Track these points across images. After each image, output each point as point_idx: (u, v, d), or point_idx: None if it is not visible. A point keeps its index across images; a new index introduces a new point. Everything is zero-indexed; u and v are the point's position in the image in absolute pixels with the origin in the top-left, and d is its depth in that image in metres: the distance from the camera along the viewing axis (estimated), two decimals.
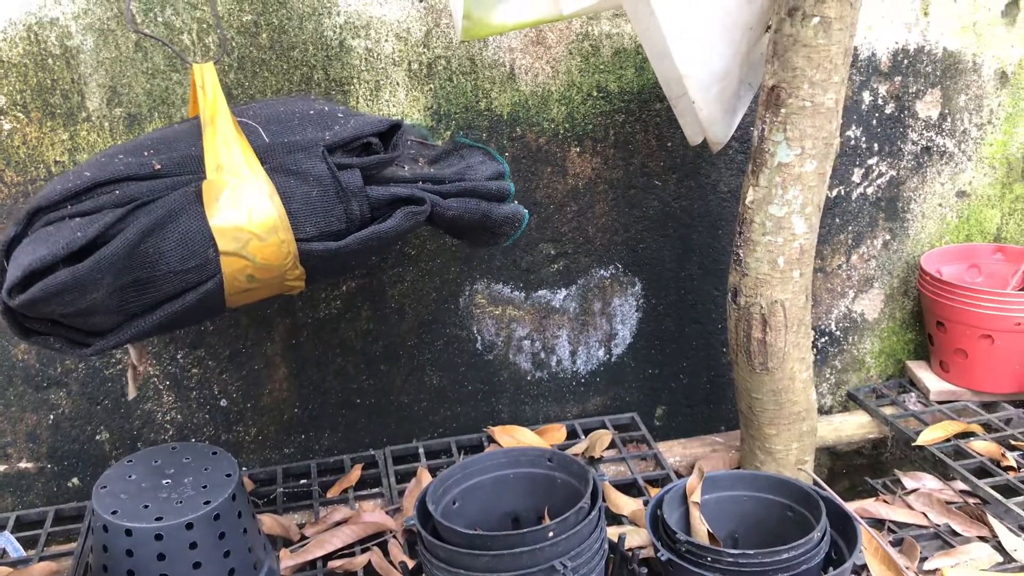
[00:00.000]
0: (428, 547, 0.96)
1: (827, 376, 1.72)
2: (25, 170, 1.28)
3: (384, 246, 0.97)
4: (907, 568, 1.17)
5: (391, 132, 0.97)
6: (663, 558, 1.01)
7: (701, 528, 1.08)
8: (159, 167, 0.87)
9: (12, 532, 1.35)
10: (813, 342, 1.65)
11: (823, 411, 1.73)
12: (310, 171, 0.90)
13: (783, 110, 1.18)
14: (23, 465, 1.41)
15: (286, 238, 0.88)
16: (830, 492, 1.13)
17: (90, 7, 1.23)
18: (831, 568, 1.03)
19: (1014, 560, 1.19)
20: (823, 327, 1.68)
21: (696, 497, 1.12)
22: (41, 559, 1.29)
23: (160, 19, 1.25)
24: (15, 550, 1.32)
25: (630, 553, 1.06)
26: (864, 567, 1.18)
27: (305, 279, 0.96)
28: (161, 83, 1.28)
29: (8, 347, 1.35)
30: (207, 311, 0.92)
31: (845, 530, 1.06)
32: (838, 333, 1.70)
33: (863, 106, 1.56)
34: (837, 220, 1.61)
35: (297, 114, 0.96)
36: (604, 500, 1.07)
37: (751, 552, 0.97)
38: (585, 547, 0.94)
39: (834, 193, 1.59)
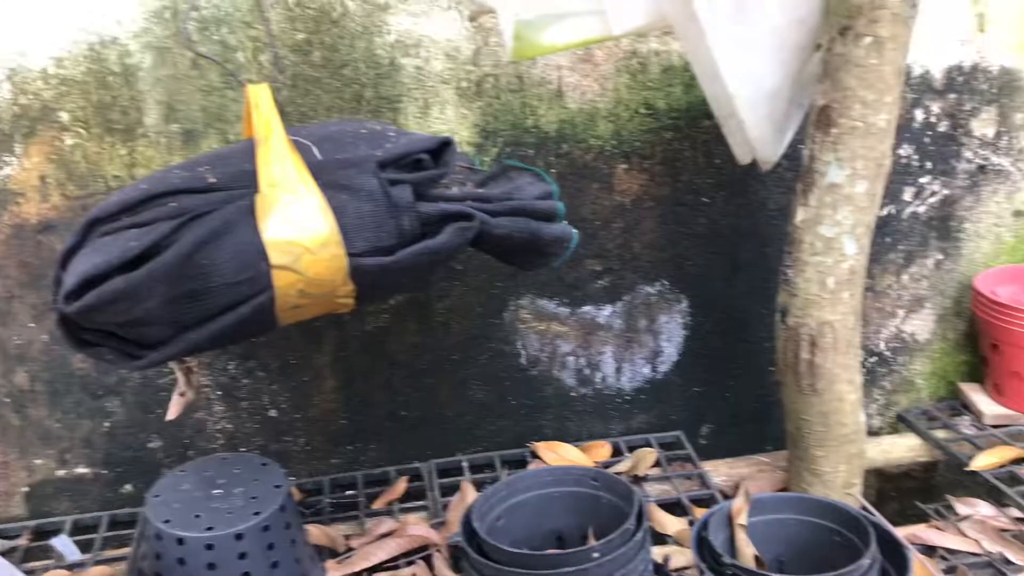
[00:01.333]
0: (474, 564, 0.96)
1: (876, 397, 1.69)
2: (86, 184, 1.32)
3: (434, 263, 0.98)
4: None
5: (441, 150, 0.99)
6: None
7: (747, 551, 1.07)
8: (214, 181, 0.90)
9: (69, 535, 1.38)
10: (862, 362, 1.62)
11: (872, 432, 1.70)
12: (362, 186, 0.91)
13: (834, 130, 1.17)
14: (80, 470, 1.45)
15: (338, 252, 0.90)
16: (879, 517, 1.11)
17: (149, 26, 1.27)
18: None
19: None
20: (872, 347, 1.66)
21: (742, 519, 1.10)
22: (96, 563, 1.32)
23: (216, 37, 1.29)
24: (71, 553, 1.35)
25: (675, 575, 1.06)
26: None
27: (356, 297, 0.98)
28: (216, 100, 1.31)
29: (67, 356, 1.38)
30: (259, 327, 0.94)
31: (895, 557, 1.04)
32: (888, 353, 1.67)
33: (915, 124, 1.54)
34: (887, 239, 1.59)
35: (349, 133, 0.98)
36: (649, 520, 1.06)
37: None
38: (630, 569, 0.94)
39: (885, 212, 1.57)
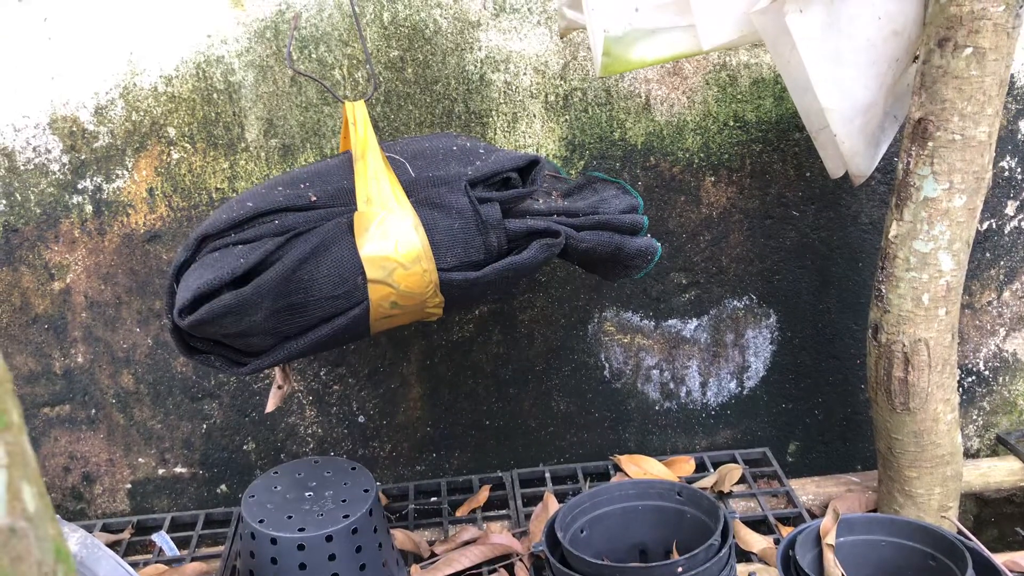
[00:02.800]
0: (556, 574, 0.97)
1: (974, 418, 1.64)
2: (190, 196, 1.38)
3: (519, 277, 0.99)
4: None
5: (530, 167, 1.00)
6: None
7: (835, 572, 1.05)
8: (315, 199, 0.93)
9: (167, 532, 1.45)
10: (959, 382, 1.57)
11: (969, 455, 1.64)
12: (453, 204, 0.94)
13: (930, 143, 1.14)
14: (178, 470, 1.52)
15: (429, 267, 0.92)
16: (977, 543, 1.08)
17: (251, 45, 1.32)
18: None
19: None
20: (970, 366, 1.60)
21: (830, 539, 1.09)
22: (193, 559, 1.38)
23: (314, 55, 1.33)
24: (170, 549, 1.41)
25: None
26: None
27: (443, 308, 1.00)
28: (313, 116, 1.36)
29: (168, 360, 1.45)
30: (352, 336, 0.97)
31: None
32: (987, 373, 1.61)
33: (1019, 136, 1.49)
34: (988, 255, 1.54)
35: (441, 150, 1.01)
36: (734, 537, 1.05)
37: None
38: None
39: (985, 226, 1.52)
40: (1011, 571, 1.18)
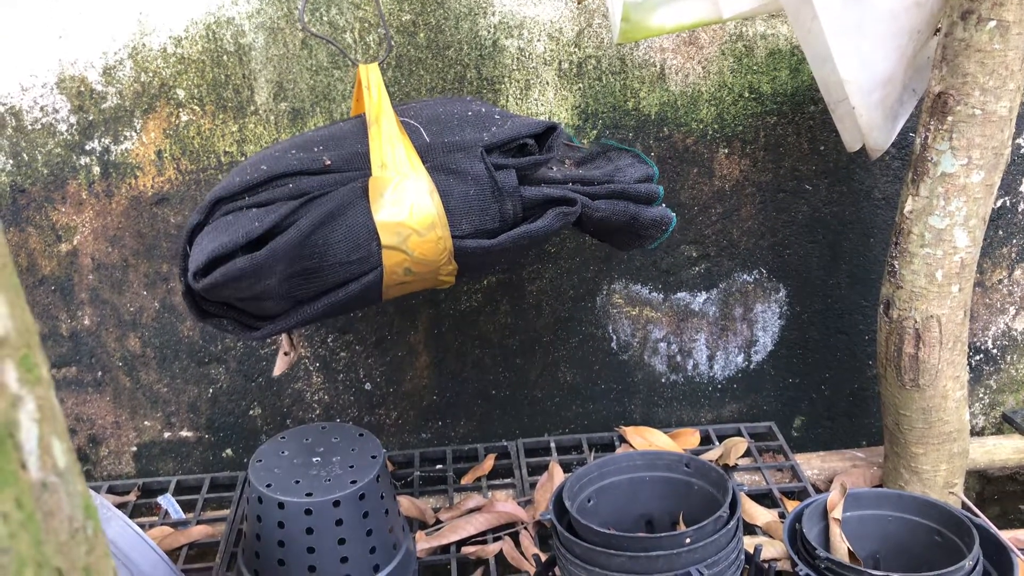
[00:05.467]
0: (563, 542, 0.97)
1: (980, 396, 1.63)
2: (198, 159, 1.37)
3: (533, 245, 0.99)
4: None
5: (546, 134, 0.99)
6: (801, 573, 0.99)
7: (841, 546, 1.05)
8: (329, 163, 0.92)
9: (173, 495, 1.45)
10: (967, 359, 1.57)
11: (975, 432, 1.64)
12: (469, 170, 0.92)
13: (950, 118, 1.12)
14: (184, 434, 1.52)
15: (443, 235, 0.92)
16: (984, 519, 1.08)
17: (263, 7, 1.30)
18: None
19: None
20: (979, 344, 1.60)
21: (837, 514, 1.09)
22: (198, 522, 1.38)
23: (325, 18, 1.31)
24: (175, 512, 1.42)
25: (766, 565, 1.05)
26: None
27: (456, 275, 0.99)
28: (324, 79, 1.35)
29: (175, 323, 1.45)
30: (365, 301, 0.97)
31: (1000, 561, 1.01)
32: (995, 351, 1.61)
33: None
34: (1000, 232, 1.53)
35: (456, 115, 0.99)
36: (741, 525, 1.05)
37: None
38: (722, 556, 0.94)
39: (999, 204, 1.51)
40: (1017, 548, 1.18)
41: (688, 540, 0.92)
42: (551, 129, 0.99)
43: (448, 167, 0.93)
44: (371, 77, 0.97)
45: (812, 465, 1.48)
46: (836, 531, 1.07)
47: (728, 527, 0.95)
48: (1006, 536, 1.20)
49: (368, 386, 1.52)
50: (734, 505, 0.98)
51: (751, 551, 1.08)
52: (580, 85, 1.39)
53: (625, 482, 1.10)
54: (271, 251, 0.84)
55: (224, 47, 1.32)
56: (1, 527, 0.25)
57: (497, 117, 1.00)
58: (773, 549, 1.20)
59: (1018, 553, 1.03)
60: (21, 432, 0.27)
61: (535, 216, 0.96)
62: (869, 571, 0.95)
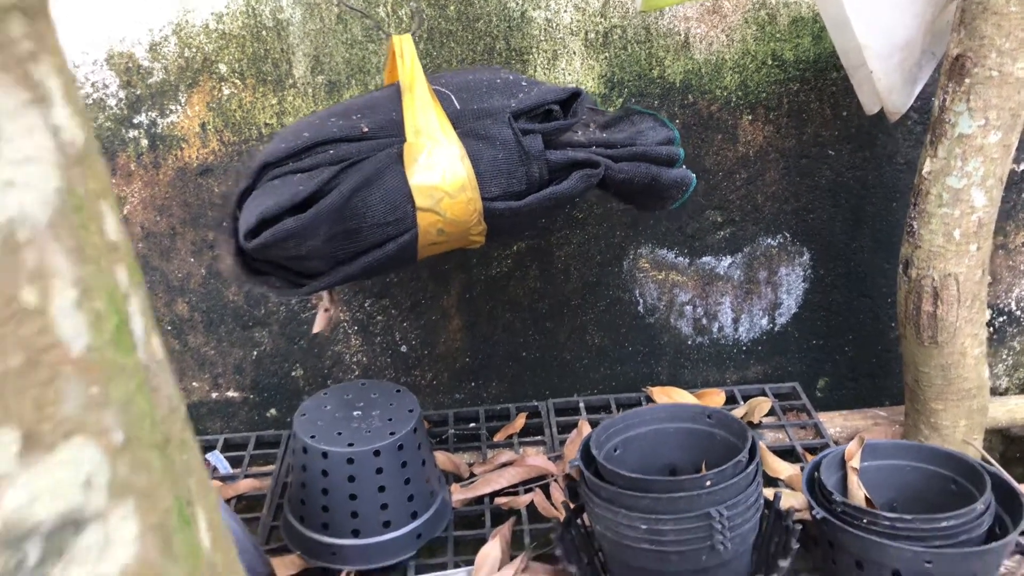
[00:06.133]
0: (591, 487, 1.03)
1: (1004, 357, 1.66)
2: (240, 131, 1.43)
3: (559, 206, 1.04)
4: None
5: (571, 100, 1.04)
6: (818, 516, 1.04)
7: (858, 493, 1.10)
8: (367, 130, 0.98)
9: (221, 452, 1.53)
10: (991, 321, 1.60)
11: (998, 393, 1.67)
12: (497, 136, 0.98)
13: (967, 80, 1.15)
14: (230, 394, 1.60)
15: (473, 196, 0.97)
16: (998, 468, 1.12)
17: None
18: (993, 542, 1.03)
19: None
20: (1002, 306, 1.62)
21: (855, 463, 1.13)
22: (246, 476, 1.46)
23: None
24: (224, 467, 1.50)
25: (785, 511, 1.10)
26: None
27: (486, 236, 1.05)
28: (359, 52, 1.40)
29: (220, 289, 1.52)
30: (401, 262, 1.02)
31: (1012, 507, 1.05)
32: (1019, 313, 1.63)
33: None
34: (1023, 195, 1.55)
35: (485, 82, 1.04)
36: (761, 460, 1.10)
37: (909, 517, 0.99)
38: (741, 499, 0.99)
39: (1020, 166, 1.53)
40: None
41: (708, 483, 0.97)
42: (575, 95, 1.03)
43: (478, 132, 0.98)
44: (404, 47, 1.02)
45: (835, 423, 1.52)
46: (854, 479, 1.11)
47: (747, 471, 1.00)
48: None
49: (404, 348, 1.59)
50: (753, 452, 1.02)
51: (771, 499, 1.13)
52: (606, 54, 1.43)
53: (650, 433, 1.15)
54: (315, 213, 0.90)
55: (263, 22, 1.38)
56: (128, 386, 0.31)
57: (524, 84, 1.04)
58: (794, 500, 1.25)
59: None
60: (132, 322, 0.33)
61: (560, 178, 1.01)
62: (883, 513, 1.00)
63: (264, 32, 1.38)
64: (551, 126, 1.00)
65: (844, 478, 1.13)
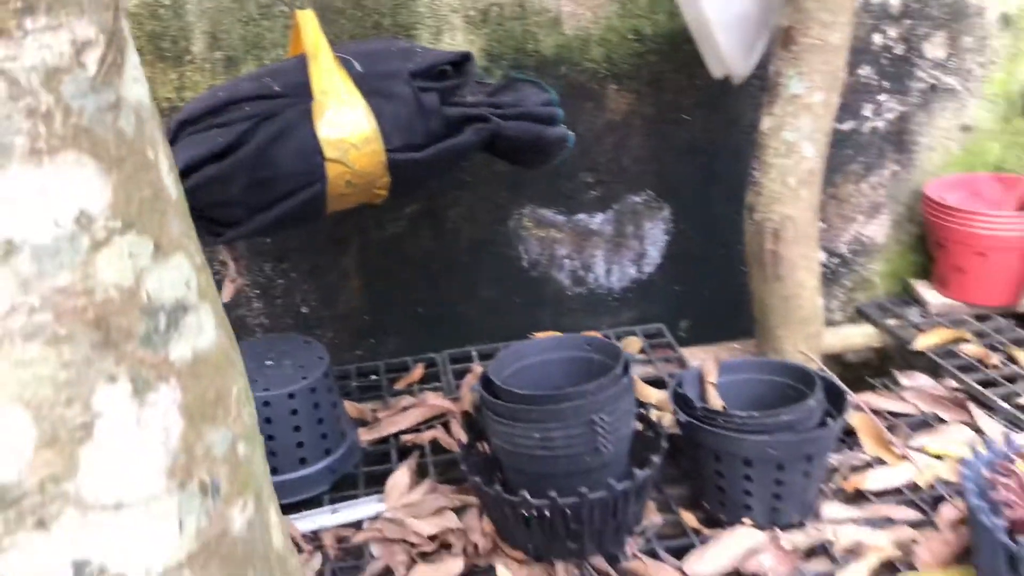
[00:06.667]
0: (490, 407, 1.17)
1: (837, 294, 1.91)
2: None
3: (456, 159, 1.17)
4: (894, 444, 1.37)
5: (462, 62, 1.17)
6: (683, 420, 1.22)
7: (716, 402, 1.29)
8: (278, 89, 1.08)
9: None
10: (826, 263, 1.83)
11: (834, 324, 1.91)
12: (398, 94, 1.10)
13: (795, 47, 1.35)
14: None
15: (378, 149, 1.09)
16: (827, 372, 1.33)
17: None
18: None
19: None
20: (835, 249, 1.86)
21: (712, 378, 1.32)
22: None
23: None
24: None
25: (655, 420, 1.27)
26: (854, 435, 1.38)
27: (389, 189, 1.17)
28: (254, 29, 1.49)
29: None
30: (312, 212, 1.13)
31: (838, 403, 1.25)
32: (849, 255, 1.88)
33: (874, 47, 1.72)
34: (849, 151, 1.79)
35: (383, 49, 1.17)
36: (632, 377, 1.26)
37: (756, 414, 1.18)
38: (618, 406, 1.15)
39: (847, 127, 1.76)
40: (869, 407, 1.43)
41: (589, 393, 1.13)
42: (466, 58, 1.17)
43: (380, 91, 1.10)
44: (307, 20, 1.13)
45: (697, 356, 1.72)
46: (711, 391, 1.30)
47: (622, 383, 1.16)
48: (858, 399, 1.46)
49: (305, 310, 1.69)
50: (626, 366, 1.19)
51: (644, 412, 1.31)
52: (486, 30, 1.57)
53: (538, 362, 1.30)
54: (234, 161, 1.00)
55: (160, 1, 1.45)
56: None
57: (419, 50, 1.17)
58: (664, 419, 1.43)
59: (851, 393, 1.28)
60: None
61: (456, 132, 1.14)
62: (735, 412, 1.19)
63: (161, 11, 1.45)
64: (446, 85, 1.14)
65: (703, 391, 1.32)
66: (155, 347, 0.40)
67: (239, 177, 1.02)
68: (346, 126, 1.07)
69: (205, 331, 0.44)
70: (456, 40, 1.56)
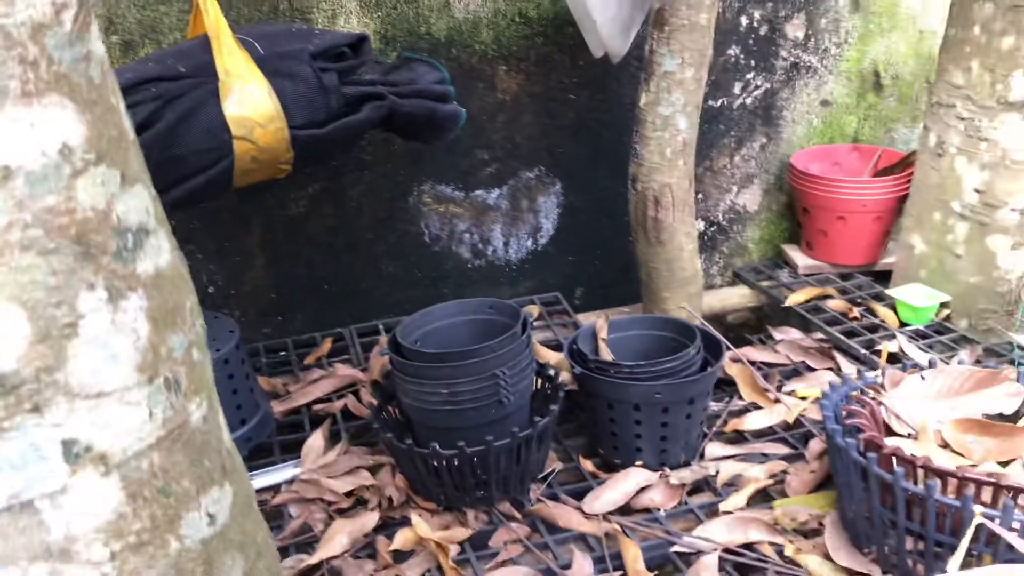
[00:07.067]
0: (399, 367, 1.25)
1: (716, 260, 2.06)
2: None
3: (355, 134, 1.24)
4: (768, 390, 1.52)
5: (359, 43, 1.24)
6: (577, 372, 1.32)
7: (607, 355, 1.40)
8: (183, 70, 1.13)
9: None
10: (704, 231, 1.98)
11: (714, 288, 2.06)
12: (298, 73, 1.16)
13: (667, 28, 1.47)
14: None
15: (281, 126, 1.15)
16: (706, 325, 1.46)
17: None
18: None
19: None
20: (712, 218, 2.01)
21: (603, 334, 1.43)
22: None
23: None
24: None
25: (552, 374, 1.38)
26: (733, 385, 1.52)
27: (293, 165, 1.23)
28: (151, 14, 1.51)
29: None
30: (220, 187, 1.18)
31: (715, 351, 1.38)
32: (725, 223, 2.03)
33: (741, 28, 1.87)
34: (721, 126, 1.93)
35: (282, 32, 1.22)
36: (532, 345, 1.36)
37: (643, 363, 1.29)
38: (519, 360, 1.25)
39: (719, 103, 1.91)
40: (735, 360, 1.57)
41: (491, 349, 1.22)
42: (363, 39, 1.24)
43: (281, 71, 1.16)
44: (208, 3, 1.18)
45: (591, 320, 1.83)
46: (603, 346, 1.41)
47: (521, 339, 1.26)
48: (730, 355, 1.60)
49: (211, 290, 1.72)
50: (525, 325, 1.29)
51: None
52: (379, 13, 1.63)
53: (444, 326, 1.39)
54: (145, 140, 1.04)
55: None
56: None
57: (317, 32, 1.23)
58: (562, 376, 1.54)
59: (726, 343, 1.41)
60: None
61: (355, 110, 1.21)
62: (624, 363, 1.30)
63: None
64: (345, 64, 1.20)
65: (596, 347, 1.43)
66: (124, 262, 0.47)
67: (151, 156, 1.06)
68: (250, 104, 1.13)
69: (163, 251, 0.51)
70: (351, 24, 1.62)
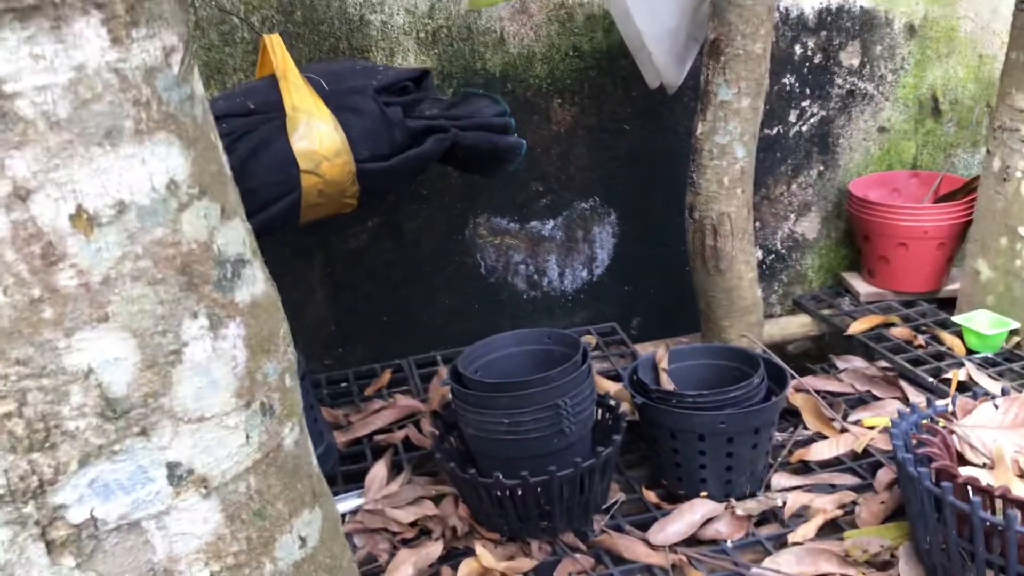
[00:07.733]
0: (461, 396, 1.26)
1: (775, 289, 2.04)
2: None
3: (419, 167, 1.26)
4: (834, 419, 1.49)
5: (422, 78, 1.27)
6: (638, 402, 1.31)
7: (668, 385, 1.39)
8: (253, 107, 1.16)
9: None
10: (762, 260, 1.97)
11: (773, 317, 2.04)
12: (364, 108, 1.19)
13: (722, 58, 1.48)
14: None
15: (347, 159, 1.18)
16: (770, 353, 1.45)
17: None
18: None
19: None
20: (770, 246, 2.00)
21: (664, 364, 1.42)
22: None
23: (213, 2, 1.53)
24: None
25: (614, 404, 1.37)
26: (798, 415, 1.50)
27: (358, 198, 1.26)
28: (216, 55, 1.56)
29: None
30: (287, 221, 1.21)
31: (779, 379, 1.37)
32: (783, 251, 2.01)
33: (795, 57, 1.87)
34: (778, 155, 1.92)
35: (347, 69, 1.26)
36: (592, 375, 1.36)
37: (706, 392, 1.28)
38: (580, 390, 1.25)
39: (775, 132, 1.90)
40: (798, 390, 1.55)
41: (552, 379, 1.22)
42: (425, 73, 1.27)
43: (347, 106, 1.19)
44: (275, 43, 1.22)
45: (648, 351, 1.82)
46: (664, 376, 1.41)
47: (582, 369, 1.26)
48: (793, 384, 1.57)
49: None
50: (585, 355, 1.29)
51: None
52: (436, 51, 1.67)
53: (503, 356, 1.39)
54: None
55: None
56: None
57: (380, 68, 1.26)
58: (623, 407, 1.53)
59: (790, 371, 1.39)
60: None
61: (419, 143, 1.23)
62: (687, 392, 1.29)
63: None
64: (408, 98, 1.23)
65: (657, 376, 1.42)
66: (224, 291, 0.49)
67: None
68: (317, 139, 1.16)
69: (258, 281, 0.53)
70: (409, 61, 1.65)
